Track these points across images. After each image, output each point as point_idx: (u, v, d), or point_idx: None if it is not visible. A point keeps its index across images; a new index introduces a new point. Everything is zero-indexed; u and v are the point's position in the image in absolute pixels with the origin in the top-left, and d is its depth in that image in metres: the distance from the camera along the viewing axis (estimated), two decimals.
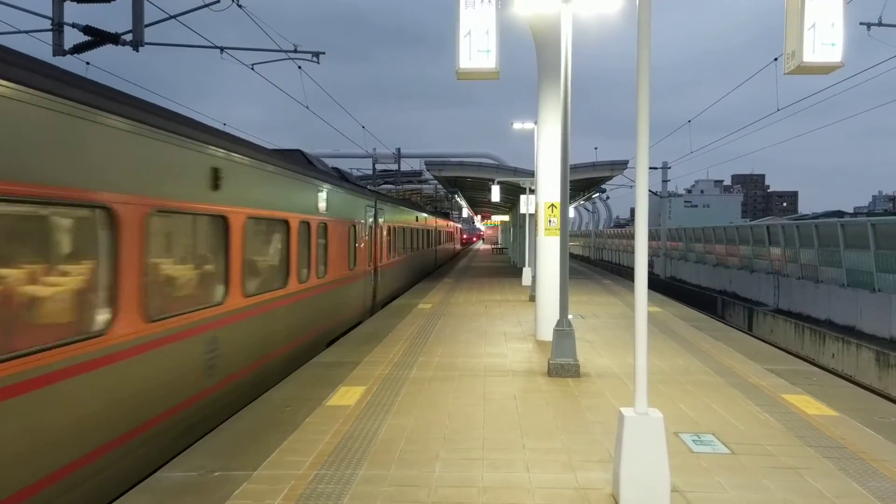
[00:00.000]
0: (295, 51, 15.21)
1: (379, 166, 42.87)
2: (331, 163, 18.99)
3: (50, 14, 12.49)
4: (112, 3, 12.37)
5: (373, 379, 9.04)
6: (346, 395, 8.14)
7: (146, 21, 13.15)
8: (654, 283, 35.90)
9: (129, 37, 12.92)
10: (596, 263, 55.79)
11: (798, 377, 9.39)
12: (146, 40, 13.32)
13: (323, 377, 9.11)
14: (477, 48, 6.45)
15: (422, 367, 9.87)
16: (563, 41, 9.66)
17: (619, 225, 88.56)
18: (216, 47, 14.24)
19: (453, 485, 5.44)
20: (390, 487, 5.37)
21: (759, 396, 8.30)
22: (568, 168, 10.00)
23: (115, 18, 14.15)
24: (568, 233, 10.20)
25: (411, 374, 9.34)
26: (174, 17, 13.86)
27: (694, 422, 7.23)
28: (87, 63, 14.79)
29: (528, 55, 12.57)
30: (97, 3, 12.52)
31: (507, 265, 39.00)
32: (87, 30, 12.72)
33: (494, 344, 11.94)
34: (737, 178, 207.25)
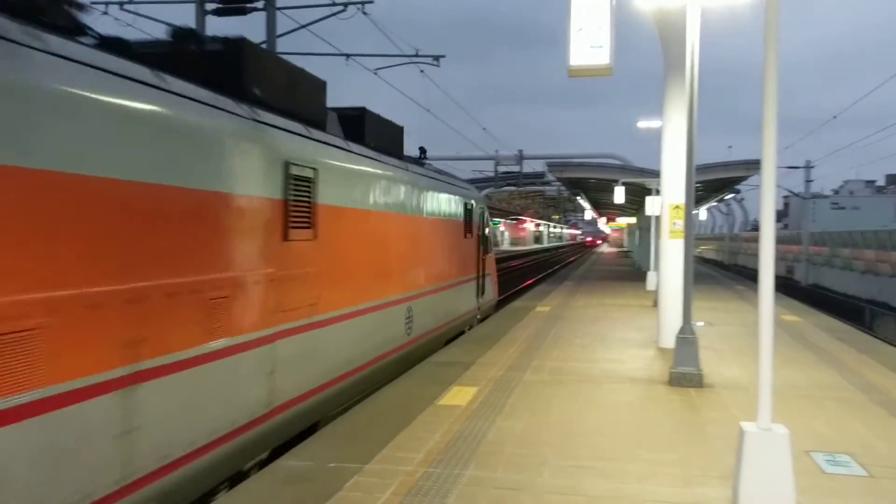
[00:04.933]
0: (416, 55, 15.50)
1: (501, 168, 42.92)
2: (453, 165, 19.09)
3: (194, 27, 13.42)
4: (248, 15, 13.11)
5: (485, 380, 9.03)
6: (458, 395, 8.18)
7: (279, 31, 13.87)
8: (794, 291, 33.69)
9: (263, 46, 13.68)
10: (729, 268, 53.08)
11: None
12: (278, 49, 14.04)
13: (436, 376, 9.21)
14: (589, 44, 6.25)
15: (536, 370, 9.76)
16: (689, 35, 9.25)
17: (755, 228, 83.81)
18: (342, 54, 14.77)
19: (560, 492, 5.32)
20: (496, 490, 5.33)
21: None
22: (693, 168, 9.56)
23: (250, 29, 14.99)
24: (693, 235, 9.76)
25: (524, 377, 9.25)
26: (304, 26, 14.50)
27: (828, 440, 6.69)
28: None
29: (655, 49, 12.16)
30: (235, 16, 13.32)
31: (631, 269, 37.93)
32: None
33: (612, 349, 11.61)
34: (892, 178, 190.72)
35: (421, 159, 12.16)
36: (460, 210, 13.32)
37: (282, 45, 13.41)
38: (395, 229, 9.53)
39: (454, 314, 12.94)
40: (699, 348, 9.15)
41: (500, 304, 21.82)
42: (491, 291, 16.58)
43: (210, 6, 12.95)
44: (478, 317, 14.96)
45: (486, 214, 16.22)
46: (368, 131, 9.38)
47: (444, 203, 12.24)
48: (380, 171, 9.09)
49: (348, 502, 5.06)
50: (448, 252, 12.40)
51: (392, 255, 9.43)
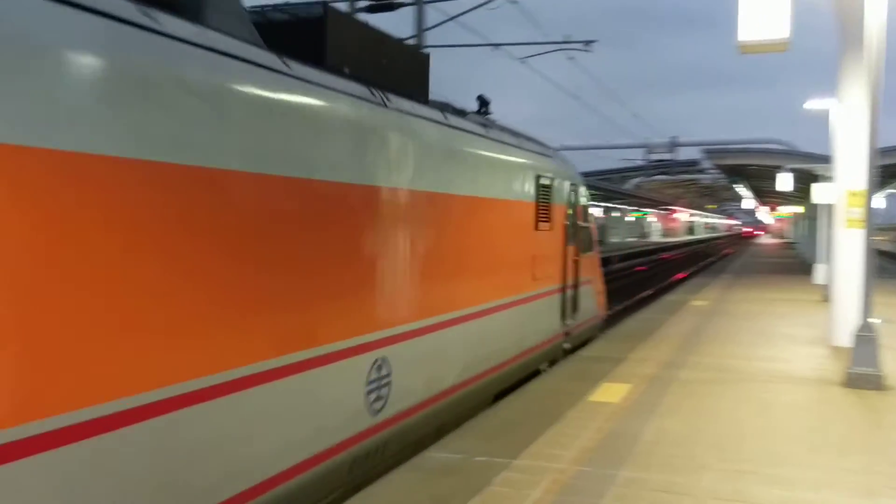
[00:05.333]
0: (566, 41, 15.20)
1: (652, 156, 41.40)
2: (602, 153, 18.50)
3: None
4: (398, 10, 13.42)
5: (638, 377, 8.68)
6: (610, 392, 7.91)
7: (427, 24, 14.08)
8: None
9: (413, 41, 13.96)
10: None
11: None
12: (427, 43, 14.26)
13: (586, 371, 8.97)
14: (763, 16, 5.68)
15: (692, 367, 9.26)
16: (869, 3, 8.35)
17: None
18: (490, 45, 14.76)
19: (724, 497, 4.97)
20: (653, 493, 5.08)
21: None
22: (875, 151, 8.66)
23: (400, 24, 15.32)
24: (872, 225, 8.87)
25: (680, 375, 8.80)
26: (453, 18, 14.62)
27: None
28: None
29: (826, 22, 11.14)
30: (385, 12, 13.69)
31: (794, 261, 35.35)
32: None
33: (777, 347, 10.82)
34: None
35: (480, 112, 8.88)
36: (527, 187, 8.82)
37: (430, 39, 13.61)
38: (342, 213, 5.14)
39: (511, 351, 8.44)
40: (879, 347, 8.33)
41: (650, 299, 21.04)
42: (591, 306, 11.75)
43: (361, 4, 13.40)
44: (565, 345, 10.50)
45: (581, 196, 11.19)
46: (335, 46, 5.49)
47: (489, 172, 7.75)
48: (296, 96, 4.65)
49: (498, 497, 5.00)
50: (494, 252, 7.84)
51: (333, 262, 5.05)
